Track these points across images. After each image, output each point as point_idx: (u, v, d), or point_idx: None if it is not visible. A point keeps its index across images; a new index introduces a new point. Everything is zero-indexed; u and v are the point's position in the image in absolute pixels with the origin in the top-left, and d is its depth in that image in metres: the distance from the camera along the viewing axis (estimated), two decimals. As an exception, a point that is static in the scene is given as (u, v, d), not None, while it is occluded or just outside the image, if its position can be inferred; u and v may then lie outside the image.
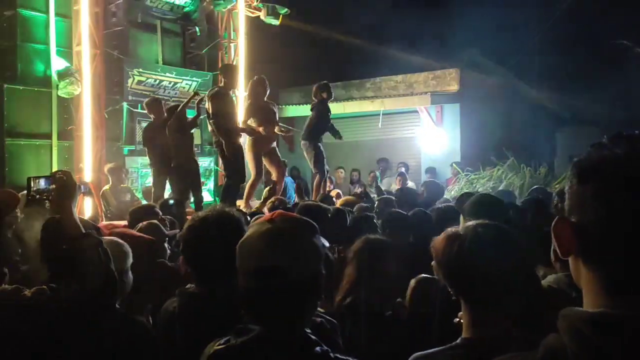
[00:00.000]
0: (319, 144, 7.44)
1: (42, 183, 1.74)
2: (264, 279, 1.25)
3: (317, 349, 1.26)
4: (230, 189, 6.63)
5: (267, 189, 6.21)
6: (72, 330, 1.67)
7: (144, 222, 3.15)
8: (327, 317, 1.59)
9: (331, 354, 1.28)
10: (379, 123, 11.79)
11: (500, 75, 12.18)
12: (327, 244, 1.33)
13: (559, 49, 11.95)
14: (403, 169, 10.82)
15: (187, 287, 1.79)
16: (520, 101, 11.94)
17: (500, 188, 8.49)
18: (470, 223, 1.47)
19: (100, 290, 1.67)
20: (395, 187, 8.94)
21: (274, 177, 7.15)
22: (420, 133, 12.12)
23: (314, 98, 7.56)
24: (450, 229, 1.48)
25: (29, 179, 1.76)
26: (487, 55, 12.30)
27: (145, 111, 7.80)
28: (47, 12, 8.46)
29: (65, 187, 1.73)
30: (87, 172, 8.08)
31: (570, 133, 11.31)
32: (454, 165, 10.25)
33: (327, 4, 11.73)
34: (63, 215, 1.72)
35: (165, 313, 1.85)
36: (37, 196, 1.76)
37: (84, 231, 1.70)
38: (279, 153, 7.20)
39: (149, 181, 9.04)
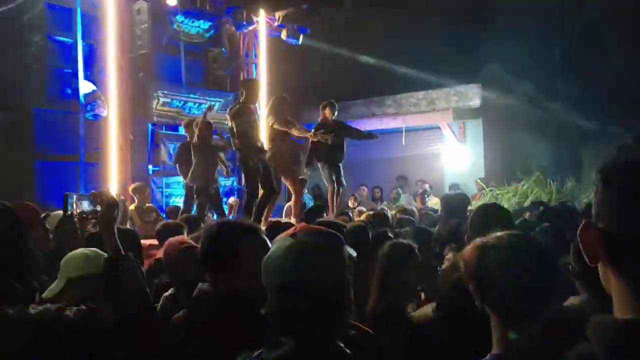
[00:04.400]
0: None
1: (85, 205, 1.76)
2: (291, 294, 1.24)
3: None
4: (253, 204, 6.65)
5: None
6: (112, 350, 1.69)
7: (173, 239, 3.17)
8: (363, 328, 1.58)
9: None
10: (402, 140, 11.76)
11: (523, 90, 12.07)
12: (354, 254, 1.32)
13: (582, 63, 11.82)
14: (427, 186, 10.74)
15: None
16: (544, 116, 11.80)
17: (526, 203, 8.36)
18: (502, 233, 1.43)
19: (137, 312, 1.69)
20: (415, 205, 8.90)
21: (291, 191, 7.18)
22: (443, 149, 12.05)
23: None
24: (479, 239, 1.45)
25: (65, 195, 1.77)
26: (509, 70, 12.23)
27: (171, 132, 7.93)
28: (74, 37, 8.72)
29: (110, 208, 1.76)
30: (113, 193, 8.21)
31: (597, 148, 11.11)
32: (478, 180, 10.14)
33: (347, 21, 11.85)
34: (106, 237, 1.75)
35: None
36: (79, 216, 1.78)
37: (123, 253, 1.73)
38: (294, 169, 7.22)
39: (174, 201, 9.17)
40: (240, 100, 6.70)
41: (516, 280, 1.34)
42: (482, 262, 1.38)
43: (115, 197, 1.81)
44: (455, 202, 4.35)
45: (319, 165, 7.41)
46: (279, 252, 1.28)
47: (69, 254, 2.52)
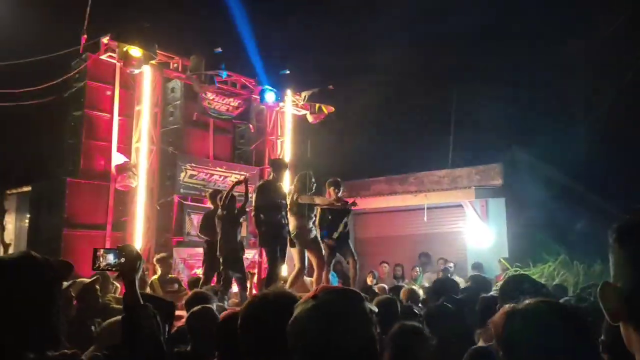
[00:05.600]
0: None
1: (110, 257, 1.87)
2: (318, 355, 1.25)
3: None
4: (272, 280, 6.67)
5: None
6: None
7: (197, 307, 3.17)
8: None
9: None
10: (424, 217, 11.74)
11: (546, 171, 12.10)
12: (375, 309, 1.34)
13: (605, 146, 11.88)
14: (452, 265, 10.56)
15: None
16: (568, 197, 11.73)
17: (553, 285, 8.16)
18: (532, 300, 1.44)
19: (151, 358, 1.72)
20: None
21: (314, 267, 7.16)
22: (466, 227, 11.96)
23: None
24: (509, 305, 1.46)
25: (95, 250, 1.91)
26: (532, 152, 12.34)
27: (196, 203, 8.07)
28: (111, 112, 9.18)
29: (132, 260, 1.85)
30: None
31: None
32: (502, 260, 9.96)
33: (371, 101, 12.26)
34: (127, 286, 1.83)
35: None
36: (104, 268, 1.89)
37: (142, 302, 1.79)
38: (320, 245, 7.22)
39: (194, 272, 9.19)
40: (269, 178, 6.95)
41: (543, 345, 1.33)
42: (510, 327, 1.39)
43: (137, 250, 1.91)
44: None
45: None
46: (303, 314, 1.31)
47: (109, 321, 2.58)
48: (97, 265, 1.89)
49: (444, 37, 13.09)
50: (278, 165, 7.26)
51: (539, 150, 11.60)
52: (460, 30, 12.74)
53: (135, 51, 8.34)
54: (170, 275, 7.60)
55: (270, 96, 10.74)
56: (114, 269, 1.89)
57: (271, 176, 7.07)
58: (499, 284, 8.59)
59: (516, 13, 12.61)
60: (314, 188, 7.12)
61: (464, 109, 12.62)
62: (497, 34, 12.86)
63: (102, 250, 1.91)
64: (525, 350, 1.36)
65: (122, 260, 1.86)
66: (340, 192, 7.19)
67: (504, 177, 11.73)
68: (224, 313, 2.68)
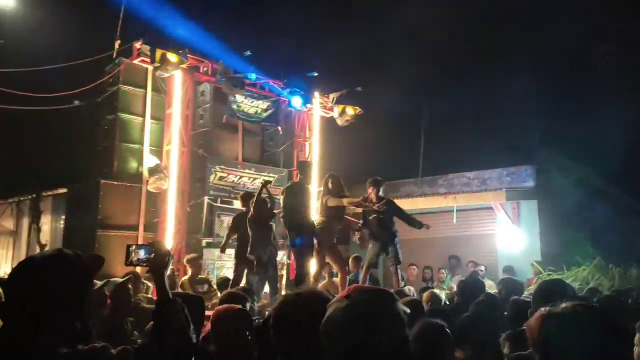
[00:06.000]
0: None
1: (141, 253, 1.95)
2: (353, 356, 1.26)
3: None
4: (301, 280, 6.70)
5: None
6: None
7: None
8: None
9: None
10: (454, 219, 11.60)
11: (579, 172, 11.83)
12: (407, 310, 1.33)
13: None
14: (482, 268, 10.40)
15: None
16: (603, 199, 11.43)
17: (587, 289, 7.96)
18: (567, 303, 1.43)
19: (179, 354, 1.75)
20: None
21: (335, 269, 7.18)
22: (497, 230, 11.77)
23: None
24: (544, 309, 1.45)
25: (128, 246, 2.00)
26: (564, 152, 12.08)
27: (226, 205, 8.14)
28: (143, 115, 9.35)
29: (162, 256, 1.91)
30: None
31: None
32: (534, 263, 9.76)
33: (400, 102, 12.19)
34: (156, 281, 1.88)
35: None
36: (136, 263, 1.96)
37: (171, 296, 1.84)
38: (338, 249, 7.24)
39: (223, 273, 9.28)
40: (297, 180, 7.01)
41: (579, 349, 1.32)
42: (546, 330, 1.38)
43: (166, 246, 1.99)
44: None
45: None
46: (337, 314, 1.31)
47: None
48: (129, 260, 1.98)
49: (470, 37, 12.94)
50: (306, 168, 7.31)
51: (572, 151, 11.34)
52: (488, 29, 12.58)
53: (172, 56, 8.52)
54: (200, 276, 7.70)
55: (297, 100, 10.81)
56: (144, 264, 1.97)
57: (299, 178, 7.13)
58: (531, 287, 8.44)
59: (547, 8, 12.38)
60: (340, 188, 7.12)
61: (496, 109, 12.42)
62: (528, 31, 12.66)
63: (134, 246, 2.00)
64: (561, 354, 1.34)
65: (152, 255, 1.93)
66: (381, 192, 7.06)
67: (536, 179, 11.51)
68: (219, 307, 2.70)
